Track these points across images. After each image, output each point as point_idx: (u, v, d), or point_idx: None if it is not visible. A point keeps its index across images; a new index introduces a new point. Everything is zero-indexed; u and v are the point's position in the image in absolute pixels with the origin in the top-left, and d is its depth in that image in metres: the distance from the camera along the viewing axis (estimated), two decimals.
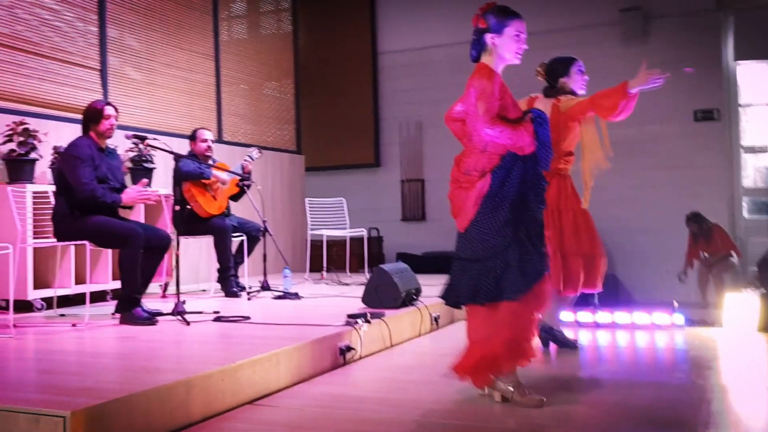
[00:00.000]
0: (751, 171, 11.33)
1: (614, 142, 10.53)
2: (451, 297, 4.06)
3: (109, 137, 5.89)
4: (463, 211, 3.89)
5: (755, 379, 4.46)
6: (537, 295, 3.83)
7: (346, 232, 9.46)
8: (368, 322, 5.31)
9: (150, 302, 6.22)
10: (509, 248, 3.78)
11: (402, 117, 12.82)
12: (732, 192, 11.00)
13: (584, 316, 6.36)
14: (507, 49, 3.91)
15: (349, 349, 5.00)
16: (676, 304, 6.43)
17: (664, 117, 11.10)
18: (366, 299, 6.31)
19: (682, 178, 10.95)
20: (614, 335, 6.02)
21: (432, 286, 7.46)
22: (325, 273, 9.40)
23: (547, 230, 4.62)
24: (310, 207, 9.51)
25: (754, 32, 10.85)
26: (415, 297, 6.44)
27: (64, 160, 5.73)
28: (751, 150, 11.27)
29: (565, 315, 6.29)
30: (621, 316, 6.32)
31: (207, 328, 5.44)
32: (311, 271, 9.53)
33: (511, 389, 3.86)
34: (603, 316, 6.34)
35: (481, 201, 3.81)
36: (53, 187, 5.96)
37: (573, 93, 5.27)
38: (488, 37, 3.91)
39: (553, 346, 5.43)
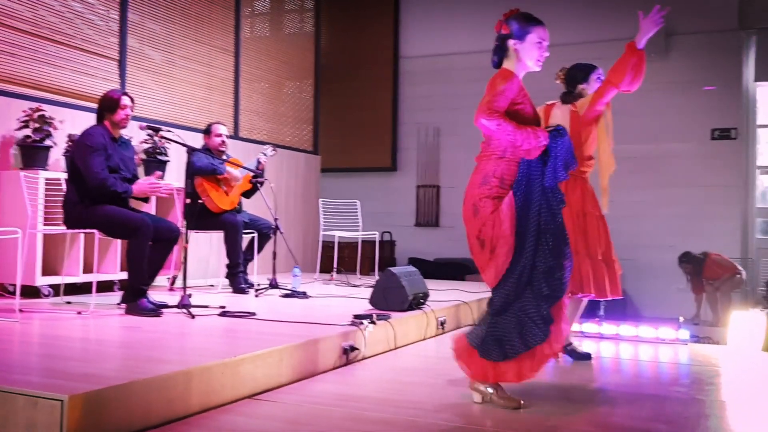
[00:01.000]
0: (766, 191, 11.29)
1: (631, 158, 10.56)
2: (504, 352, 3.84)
3: (124, 127, 5.91)
4: (502, 238, 3.78)
5: (755, 398, 4.43)
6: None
7: (359, 235, 9.45)
8: (374, 323, 5.31)
9: (157, 295, 6.24)
10: (535, 272, 3.78)
11: (420, 122, 12.86)
12: (746, 212, 10.95)
13: (589, 327, 6.34)
14: (529, 55, 3.90)
15: (353, 349, 4.99)
16: (681, 319, 6.41)
17: (681, 134, 11.10)
18: (373, 301, 6.31)
19: (697, 196, 10.93)
20: (618, 347, 6.00)
21: (440, 291, 7.52)
22: (335, 274, 9.39)
23: (571, 235, 4.63)
24: (323, 208, 9.52)
25: None
26: (422, 301, 6.44)
27: (77, 148, 5.76)
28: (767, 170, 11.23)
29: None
30: (626, 328, 6.29)
31: (212, 322, 5.43)
32: (321, 271, 9.54)
33: (490, 390, 3.88)
34: (608, 328, 6.32)
35: (516, 227, 3.76)
36: (66, 175, 5.98)
37: None
38: (510, 43, 3.91)
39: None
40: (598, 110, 5.11)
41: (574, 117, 5.18)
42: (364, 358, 5.13)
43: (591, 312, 6.58)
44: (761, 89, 11.21)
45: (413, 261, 11.50)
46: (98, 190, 5.59)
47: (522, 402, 3.85)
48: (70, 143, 6.82)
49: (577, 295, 5.09)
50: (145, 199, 6.21)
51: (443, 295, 7.31)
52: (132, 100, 5.94)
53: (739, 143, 10.95)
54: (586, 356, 5.39)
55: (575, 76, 5.36)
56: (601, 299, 5.23)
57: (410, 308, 6.18)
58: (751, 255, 10.75)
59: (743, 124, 11.00)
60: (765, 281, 7.40)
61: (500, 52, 3.97)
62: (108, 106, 5.82)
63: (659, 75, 11.21)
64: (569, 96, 5.33)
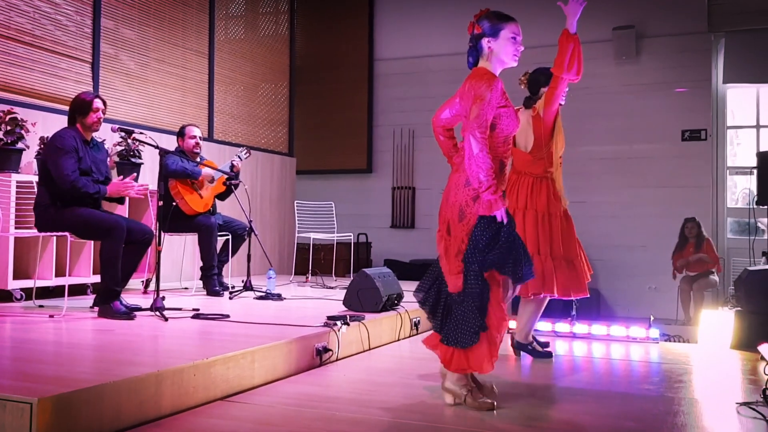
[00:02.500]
0: (736, 192, 11.40)
1: (602, 159, 10.62)
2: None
3: (96, 130, 5.88)
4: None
5: (724, 395, 4.47)
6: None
7: (334, 237, 9.45)
8: (347, 324, 5.32)
9: (130, 298, 6.23)
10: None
11: (396, 124, 12.85)
12: (716, 212, 11.06)
13: (562, 326, 6.39)
14: (504, 52, 3.92)
15: (326, 350, 5.01)
16: (652, 318, 6.46)
17: (652, 136, 11.18)
18: (347, 302, 6.33)
19: (668, 196, 11.01)
20: (590, 346, 6.04)
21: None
22: (310, 276, 9.38)
23: (535, 236, 4.71)
24: (298, 209, 9.51)
25: (744, 55, 10.93)
26: (396, 302, 6.46)
27: (48, 151, 5.72)
28: (737, 171, 11.34)
29: (542, 325, 6.33)
30: (598, 328, 6.34)
31: (185, 324, 5.43)
32: (296, 273, 9.53)
33: (464, 392, 3.89)
34: (580, 327, 6.36)
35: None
36: (38, 178, 5.95)
37: None
38: (484, 42, 3.92)
39: (526, 355, 5.48)
40: (555, 108, 5.17)
41: (536, 120, 5.25)
42: (337, 360, 5.14)
43: (564, 312, 6.63)
44: (731, 91, 11.33)
45: (389, 262, 11.52)
46: (69, 192, 5.56)
47: (495, 404, 3.87)
48: (42, 146, 6.78)
49: (539, 295, 5.14)
50: (121, 200, 6.17)
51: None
52: (104, 102, 5.90)
53: (709, 144, 11.05)
54: (548, 355, 5.44)
55: (538, 79, 5.41)
56: (565, 299, 5.27)
57: (384, 309, 6.20)
58: (722, 255, 10.85)
59: (713, 126, 11.10)
60: (735, 280, 7.46)
61: (475, 52, 3.98)
62: (80, 108, 5.79)
63: (630, 77, 11.31)
64: (531, 101, 5.39)
